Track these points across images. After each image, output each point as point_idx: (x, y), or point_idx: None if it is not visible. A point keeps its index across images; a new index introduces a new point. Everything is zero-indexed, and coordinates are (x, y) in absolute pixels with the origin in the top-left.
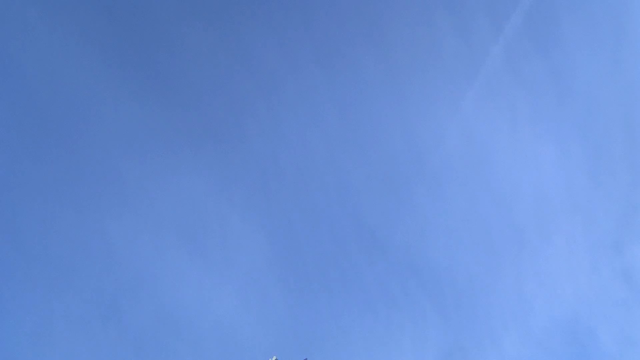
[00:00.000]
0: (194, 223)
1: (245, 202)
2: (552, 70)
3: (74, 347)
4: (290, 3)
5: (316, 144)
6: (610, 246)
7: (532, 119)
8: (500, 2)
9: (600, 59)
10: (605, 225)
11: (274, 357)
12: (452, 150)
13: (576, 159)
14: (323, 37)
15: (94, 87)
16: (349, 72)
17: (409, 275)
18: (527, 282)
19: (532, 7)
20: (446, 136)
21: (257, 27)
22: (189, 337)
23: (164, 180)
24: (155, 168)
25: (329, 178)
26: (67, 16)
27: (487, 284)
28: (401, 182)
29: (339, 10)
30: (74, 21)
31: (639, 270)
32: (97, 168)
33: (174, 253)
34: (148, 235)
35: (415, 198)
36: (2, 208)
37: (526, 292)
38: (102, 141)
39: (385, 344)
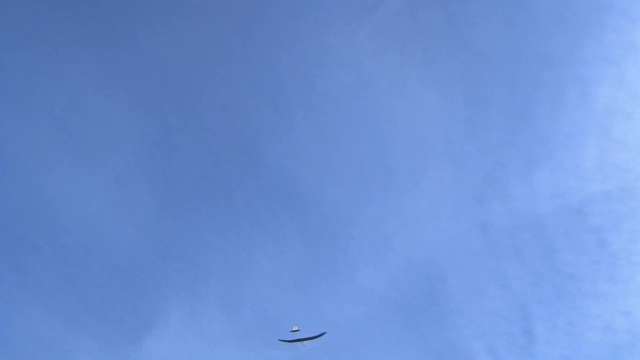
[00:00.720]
0: (69, 114)
1: (125, 102)
2: (449, 19)
3: None
4: None
5: (206, 51)
6: (473, 198)
7: (422, 64)
8: None
9: (498, 16)
10: (472, 178)
11: (296, 327)
12: (338, 80)
13: (457, 111)
14: None
15: None
16: None
17: (277, 197)
18: (390, 220)
19: None
20: (335, 66)
21: None
22: (49, 228)
23: (43, 69)
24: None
25: (213, 87)
26: None
27: (352, 216)
28: (284, 103)
29: None
30: None
31: (496, 225)
32: None
33: (43, 141)
34: (18, 121)
35: (296, 121)
36: None
37: (388, 230)
38: None
39: (244, 260)
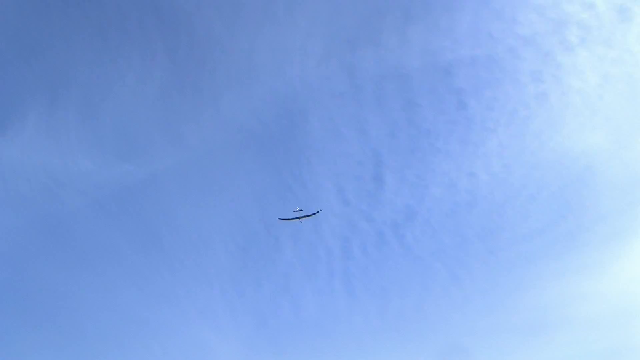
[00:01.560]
0: None
1: None
2: None
3: None
4: None
5: None
6: (346, 41)
7: None
8: None
9: None
10: (347, 20)
11: (298, 208)
12: None
13: None
14: None
15: None
16: None
17: (150, 11)
18: (260, 52)
19: None
20: None
21: None
22: None
23: None
24: None
25: None
26: None
27: (224, 42)
28: None
29: None
30: None
31: (364, 71)
32: None
33: None
34: None
35: None
36: None
37: (257, 61)
38: None
39: (109, 70)
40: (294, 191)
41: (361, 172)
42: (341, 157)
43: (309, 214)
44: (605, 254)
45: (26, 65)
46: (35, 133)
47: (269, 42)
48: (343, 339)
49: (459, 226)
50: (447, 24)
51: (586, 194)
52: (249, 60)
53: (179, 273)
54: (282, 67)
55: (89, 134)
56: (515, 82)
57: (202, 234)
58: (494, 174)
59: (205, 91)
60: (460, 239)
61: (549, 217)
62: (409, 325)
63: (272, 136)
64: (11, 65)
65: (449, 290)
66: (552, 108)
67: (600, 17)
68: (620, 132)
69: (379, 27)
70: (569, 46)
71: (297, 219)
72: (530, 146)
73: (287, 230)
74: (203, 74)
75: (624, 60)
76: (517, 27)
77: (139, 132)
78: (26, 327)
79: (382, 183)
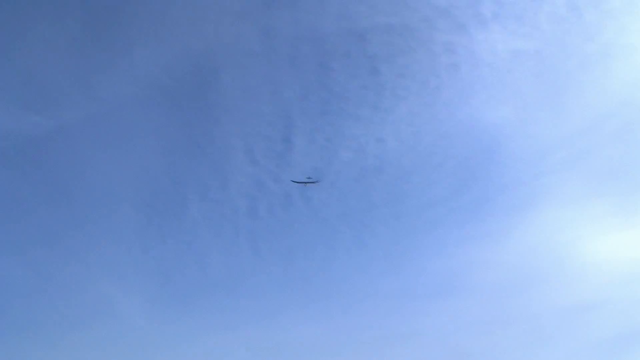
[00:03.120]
0: None
1: None
2: None
3: None
4: None
5: None
6: (262, 1)
7: None
8: None
9: None
10: None
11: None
12: None
13: None
14: None
15: None
16: None
17: None
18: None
19: None
20: None
21: None
22: None
23: None
24: None
25: None
26: None
27: None
28: None
29: None
30: None
31: (279, 32)
32: None
33: None
34: None
35: None
36: None
37: (172, 16)
38: None
39: (14, 25)
40: (202, 148)
41: (271, 132)
42: (252, 116)
43: (313, 181)
44: (507, 224)
45: None
46: None
47: None
48: (248, 298)
49: (366, 191)
50: None
51: (491, 165)
52: (164, 15)
53: (85, 227)
54: (197, 24)
55: None
56: (428, 52)
57: (109, 188)
58: (403, 141)
59: (118, 44)
60: (367, 203)
61: (455, 185)
62: (312, 286)
63: (183, 93)
64: None
65: (354, 253)
66: (462, 79)
67: None
68: (526, 107)
69: None
70: (482, 20)
71: (305, 183)
72: (440, 115)
73: (194, 187)
74: (117, 27)
75: (534, 36)
76: None
77: (48, 83)
78: None
79: (291, 144)
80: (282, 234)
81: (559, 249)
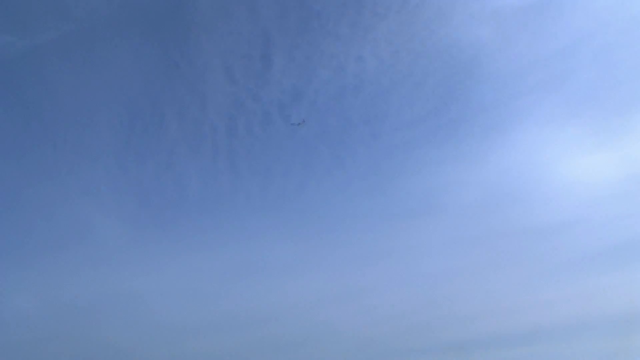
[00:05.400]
0: None
1: None
2: None
3: None
4: None
5: None
6: None
7: None
8: None
9: None
10: None
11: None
12: None
13: None
14: None
15: None
16: None
17: None
18: None
19: None
20: None
21: None
22: None
23: None
24: None
25: None
26: None
27: None
28: None
29: None
30: None
31: None
32: None
33: None
34: None
35: None
36: None
37: None
38: None
39: None
40: (180, 68)
41: (249, 51)
42: (230, 35)
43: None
44: (485, 144)
45: None
46: None
47: None
48: (226, 217)
49: (345, 109)
50: None
51: (470, 84)
52: None
53: (62, 149)
54: None
55: None
56: None
57: (85, 109)
58: (382, 60)
59: None
60: (346, 122)
61: (433, 105)
62: (290, 204)
63: (160, 12)
64: None
65: (332, 172)
66: None
67: None
68: (506, 27)
69: None
70: None
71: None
72: (420, 34)
73: (173, 107)
74: None
75: None
76: None
77: (21, 2)
78: None
79: (270, 63)
80: (260, 153)
81: (537, 169)
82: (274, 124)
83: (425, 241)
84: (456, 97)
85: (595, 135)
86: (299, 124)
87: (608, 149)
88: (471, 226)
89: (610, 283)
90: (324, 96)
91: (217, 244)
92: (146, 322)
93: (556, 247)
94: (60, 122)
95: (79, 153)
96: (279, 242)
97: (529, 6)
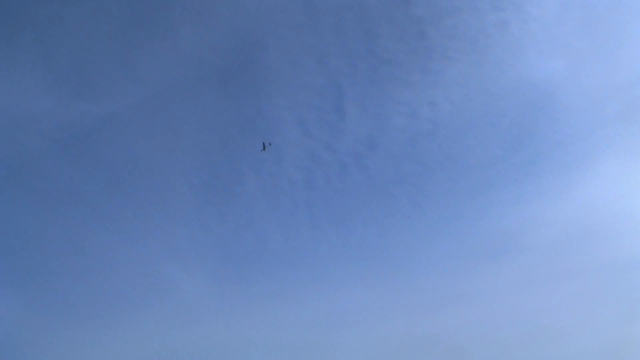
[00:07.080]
0: None
1: None
2: None
3: None
4: None
5: None
6: None
7: None
8: None
9: None
10: None
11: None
12: None
13: None
14: None
15: None
16: None
17: None
18: None
19: None
20: None
21: None
22: None
23: None
24: None
25: None
26: None
27: None
28: None
29: None
30: None
31: (321, 1)
32: None
33: None
34: None
35: None
36: None
37: None
38: None
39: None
40: (255, 124)
41: (322, 103)
42: (301, 88)
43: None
44: (563, 180)
45: None
46: None
47: None
48: (308, 270)
49: (420, 154)
50: None
51: (545, 120)
52: None
53: (143, 211)
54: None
55: (46, 74)
56: (475, 11)
57: (164, 170)
58: (454, 103)
59: (162, 26)
60: (422, 166)
61: (509, 144)
62: (372, 253)
63: (231, 70)
64: None
65: (411, 217)
66: (511, 36)
67: None
68: (578, 59)
69: None
70: None
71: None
72: (490, 74)
73: (250, 163)
74: (159, 8)
75: None
76: None
77: (96, 70)
78: None
79: (343, 113)
80: (339, 204)
81: (618, 203)
82: (350, 174)
83: (504, 282)
84: (532, 134)
85: None
86: (265, 148)
87: None
88: (550, 265)
89: None
90: (399, 143)
91: (300, 296)
92: None
93: None
94: (142, 186)
95: (161, 214)
96: (361, 290)
97: (599, 36)
